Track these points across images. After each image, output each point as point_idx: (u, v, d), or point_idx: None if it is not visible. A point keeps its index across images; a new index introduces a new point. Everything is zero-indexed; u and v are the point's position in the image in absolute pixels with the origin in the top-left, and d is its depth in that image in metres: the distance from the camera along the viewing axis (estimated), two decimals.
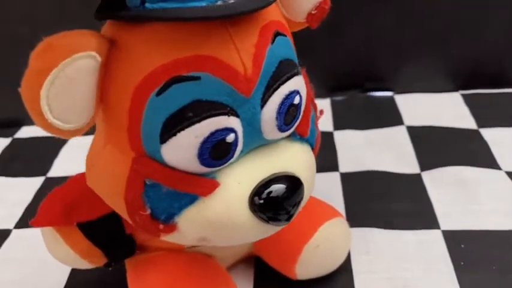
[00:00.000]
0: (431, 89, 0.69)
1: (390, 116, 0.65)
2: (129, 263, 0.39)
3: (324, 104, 0.68)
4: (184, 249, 0.38)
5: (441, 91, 0.69)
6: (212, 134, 0.27)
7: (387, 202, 0.50)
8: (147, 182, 0.28)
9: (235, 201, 0.29)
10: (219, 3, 0.26)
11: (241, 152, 0.30)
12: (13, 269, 0.47)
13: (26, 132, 0.68)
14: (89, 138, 0.33)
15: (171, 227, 0.30)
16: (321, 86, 0.69)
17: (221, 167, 0.29)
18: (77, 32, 0.26)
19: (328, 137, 0.61)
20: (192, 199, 0.29)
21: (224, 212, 0.29)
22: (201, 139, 0.27)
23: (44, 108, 0.25)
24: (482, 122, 0.62)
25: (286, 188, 0.30)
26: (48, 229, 0.36)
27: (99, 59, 0.27)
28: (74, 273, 0.45)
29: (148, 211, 0.29)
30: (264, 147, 0.31)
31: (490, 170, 0.53)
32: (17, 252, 0.49)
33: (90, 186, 0.33)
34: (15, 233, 0.51)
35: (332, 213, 0.42)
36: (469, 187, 0.51)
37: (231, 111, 0.27)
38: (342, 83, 0.70)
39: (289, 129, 0.31)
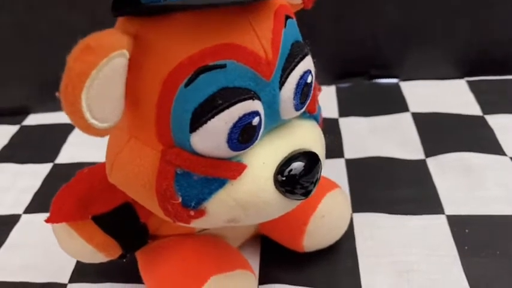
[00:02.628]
0: (436, 76, 0.69)
1: (395, 103, 0.65)
2: (138, 252, 0.40)
3: (329, 91, 0.68)
4: (194, 232, 0.39)
5: (446, 78, 0.69)
6: (240, 118, 0.28)
7: (392, 188, 0.51)
8: (178, 172, 0.29)
9: (262, 181, 0.30)
10: None
11: (262, 133, 0.31)
12: (22, 254, 0.48)
13: (33, 119, 0.69)
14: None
15: (200, 212, 0.31)
16: (327, 73, 0.69)
17: (247, 149, 0.30)
18: (109, 31, 0.26)
19: (333, 124, 0.61)
20: (221, 183, 0.30)
21: (253, 192, 0.30)
22: (230, 124, 0.28)
23: (84, 110, 0.25)
24: (488, 108, 0.62)
25: (304, 165, 0.31)
26: (61, 225, 0.36)
27: (128, 56, 0.27)
28: None
29: (180, 199, 0.30)
30: (280, 127, 0.32)
31: (495, 156, 0.53)
32: (26, 237, 0.49)
33: (113, 183, 0.33)
34: (24, 219, 0.52)
35: (331, 184, 0.44)
36: (473, 173, 0.51)
37: (255, 95, 0.28)
38: (347, 70, 0.70)
39: (303, 107, 0.33)
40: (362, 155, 0.56)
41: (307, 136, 0.33)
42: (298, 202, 0.33)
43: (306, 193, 0.32)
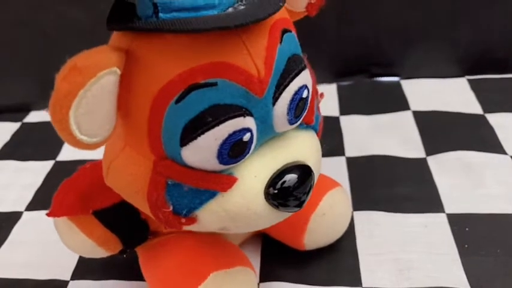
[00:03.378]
0: (437, 74, 0.69)
1: (396, 101, 0.65)
2: (140, 249, 0.40)
3: (330, 89, 0.68)
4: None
5: (447, 76, 0.69)
6: (230, 135, 0.28)
7: (392, 186, 0.51)
8: (169, 182, 0.30)
9: (252, 194, 0.31)
10: (229, 10, 0.27)
11: (255, 147, 0.31)
12: (24, 251, 0.48)
13: (35, 116, 0.69)
14: None
15: (191, 220, 0.31)
16: (328, 71, 0.69)
17: (238, 163, 0.30)
18: (98, 49, 0.26)
19: (334, 122, 0.61)
20: (211, 194, 0.30)
21: (243, 204, 0.31)
22: (220, 141, 0.28)
23: (73, 127, 0.26)
24: (488, 107, 0.62)
25: (298, 177, 0.31)
26: (63, 220, 0.37)
27: (119, 72, 0.27)
28: None
29: (171, 208, 0.30)
30: (274, 139, 0.32)
31: (495, 155, 0.54)
32: (28, 234, 0.50)
33: (109, 185, 0.34)
34: (26, 216, 0.52)
35: (332, 183, 0.44)
36: (474, 171, 0.51)
37: (246, 112, 0.29)
38: (348, 68, 0.70)
39: (298, 121, 0.33)
40: (363, 153, 0.56)
41: (301, 148, 0.33)
42: (290, 214, 0.33)
43: (299, 204, 0.32)
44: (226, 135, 0.28)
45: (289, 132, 0.33)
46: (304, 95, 0.31)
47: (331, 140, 0.57)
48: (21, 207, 0.53)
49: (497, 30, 0.67)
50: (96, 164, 0.37)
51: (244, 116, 0.28)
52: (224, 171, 0.30)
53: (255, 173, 0.31)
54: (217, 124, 0.28)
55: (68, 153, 0.60)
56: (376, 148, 0.56)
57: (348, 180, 0.52)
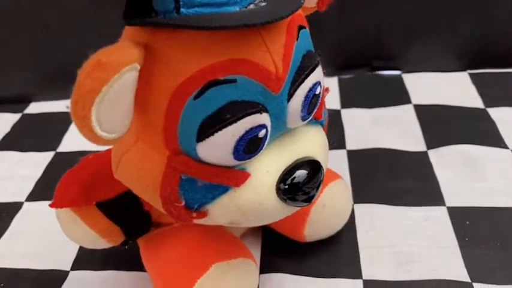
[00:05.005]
0: (439, 68, 0.69)
1: (398, 95, 0.65)
2: (141, 240, 0.40)
3: (331, 82, 0.68)
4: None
5: (449, 70, 0.69)
6: (247, 132, 0.28)
7: (393, 179, 0.51)
8: (183, 177, 0.30)
9: (265, 189, 0.31)
10: (251, 6, 0.27)
11: (268, 142, 0.31)
12: (25, 241, 0.48)
13: (35, 107, 0.69)
14: None
15: (202, 214, 0.31)
16: (329, 64, 0.69)
17: (252, 159, 0.30)
18: (120, 45, 0.26)
19: (335, 115, 0.61)
20: (224, 189, 0.30)
21: (255, 200, 0.31)
22: (237, 137, 0.28)
23: (94, 124, 0.25)
24: (490, 101, 0.62)
25: (307, 173, 0.31)
26: (65, 211, 0.37)
27: (139, 67, 0.27)
28: None
29: (183, 202, 0.31)
30: (285, 134, 0.32)
31: (496, 149, 0.54)
32: (28, 225, 0.50)
33: (118, 179, 0.34)
34: (26, 207, 0.52)
35: (333, 175, 0.44)
36: (475, 165, 0.52)
37: (262, 109, 0.29)
38: (350, 62, 0.70)
39: (310, 117, 0.33)
40: (364, 147, 0.56)
41: (311, 144, 0.33)
42: (298, 208, 0.33)
43: (308, 199, 0.32)
44: (243, 132, 0.28)
45: (299, 128, 0.33)
46: (318, 91, 0.32)
47: (332, 133, 0.57)
48: (21, 198, 0.53)
49: (499, 24, 0.67)
50: (99, 155, 0.38)
51: (261, 113, 0.29)
52: (237, 167, 0.30)
53: (266, 168, 0.31)
54: (235, 121, 0.28)
55: (68, 144, 0.60)
56: (377, 141, 0.56)
57: (348, 173, 0.52)
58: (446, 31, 0.68)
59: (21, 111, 0.68)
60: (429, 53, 0.69)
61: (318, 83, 0.31)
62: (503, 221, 0.45)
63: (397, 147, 0.55)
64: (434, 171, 0.51)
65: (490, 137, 0.56)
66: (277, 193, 0.31)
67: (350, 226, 0.45)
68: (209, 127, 0.28)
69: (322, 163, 0.33)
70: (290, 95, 0.30)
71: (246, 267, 0.37)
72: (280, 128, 0.31)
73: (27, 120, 0.67)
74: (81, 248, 0.46)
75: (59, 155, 0.59)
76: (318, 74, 0.31)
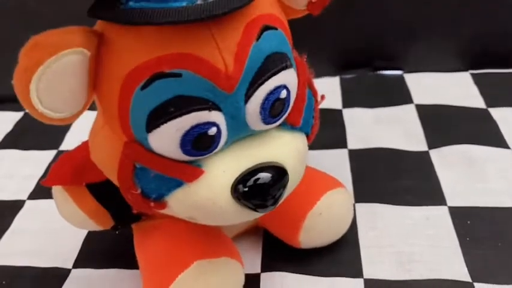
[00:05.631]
0: (440, 68, 0.69)
1: (399, 95, 0.65)
2: (135, 228, 0.41)
3: (333, 82, 0.68)
4: None
5: (451, 70, 0.69)
6: (193, 127, 0.28)
7: (394, 179, 0.51)
8: (137, 166, 0.30)
9: (219, 189, 0.31)
10: (198, 2, 0.27)
11: (227, 142, 0.31)
12: (26, 239, 0.48)
13: None
14: (95, 114, 0.35)
15: (161, 204, 0.32)
16: (331, 64, 0.69)
17: (205, 156, 0.30)
18: (63, 29, 0.27)
19: (337, 115, 0.61)
20: (178, 183, 0.31)
21: (208, 198, 0.31)
22: (182, 132, 0.28)
23: (34, 100, 0.27)
24: (491, 101, 0.62)
25: (271, 177, 0.31)
26: (59, 190, 0.38)
27: (87, 53, 0.28)
28: (86, 244, 0.46)
29: (139, 190, 0.31)
30: (252, 137, 0.32)
31: (497, 149, 0.54)
32: (30, 223, 0.50)
33: (93, 161, 0.34)
34: (28, 205, 0.52)
35: (334, 183, 0.43)
36: (476, 165, 0.52)
37: (212, 106, 0.28)
38: (351, 61, 0.70)
39: (276, 121, 0.32)
40: (365, 146, 0.56)
41: (280, 149, 0.32)
42: (260, 214, 0.33)
43: (262, 206, 0.32)
44: (188, 127, 0.28)
45: (271, 132, 0.33)
46: (282, 95, 0.31)
47: (334, 133, 0.57)
48: (23, 196, 0.53)
49: (501, 24, 0.67)
50: None
51: (210, 110, 0.28)
52: (193, 163, 0.30)
53: (224, 168, 0.31)
54: (180, 115, 0.28)
55: (70, 142, 0.61)
56: (378, 141, 0.56)
57: (350, 173, 0.52)
58: (448, 31, 0.68)
59: (23, 110, 0.68)
60: (431, 53, 0.69)
61: (282, 87, 0.30)
62: (504, 221, 0.45)
63: (398, 147, 0.55)
64: (435, 171, 0.51)
65: (492, 137, 0.56)
66: (235, 196, 0.31)
67: (351, 225, 0.45)
68: (155, 119, 0.28)
69: (290, 171, 0.32)
70: (248, 96, 0.29)
71: (228, 267, 0.37)
72: (241, 129, 0.31)
73: (29, 119, 0.66)
74: (83, 246, 0.46)
75: (61, 154, 0.59)
76: (284, 78, 0.30)
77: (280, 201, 0.33)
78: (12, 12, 0.67)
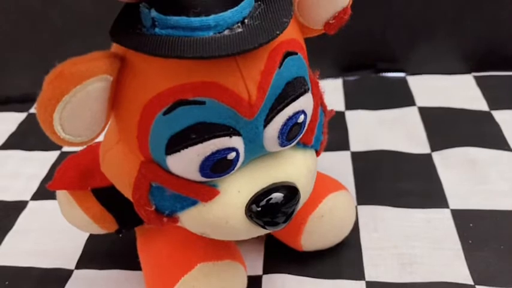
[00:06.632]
0: (443, 71, 0.69)
1: (402, 97, 0.65)
2: (138, 231, 0.41)
3: (335, 84, 0.68)
4: None
5: (454, 73, 0.68)
6: (213, 153, 0.29)
7: (397, 181, 0.51)
8: (153, 184, 0.31)
9: (233, 209, 0.31)
10: (226, 32, 0.27)
11: (243, 163, 0.31)
12: (29, 239, 0.48)
13: None
14: None
15: (174, 220, 0.32)
16: (334, 66, 0.70)
17: (222, 178, 0.31)
18: (88, 57, 0.26)
19: (339, 117, 0.61)
20: (193, 202, 0.31)
21: (222, 217, 0.31)
22: (202, 157, 0.29)
23: (57, 128, 0.27)
24: (494, 104, 0.62)
25: (283, 197, 0.31)
26: (64, 194, 0.38)
27: (110, 78, 0.28)
28: (89, 244, 0.47)
29: (153, 207, 0.31)
30: (266, 156, 0.32)
31: (500, 152, 0.53)
32: (33, 223, 0.50)
33: (103, 172, 0.34)
34: (32, 205, 0.52)
35: (336, 186, 0.43)
36: (479, 168, 0.51)
37: (233, 132, 0.29)
38: (354, 63, 0.70)
39: (291, 143, 0.32)
40: (368, 148, 0.56)
41: (292, 169, 0.33)
42: (269, 231, 0.33)
43: (273, 224, 0.32)
44: (209, 153, 0.28)
45: (284, 152, 0.33)
46: (300, 120, 0.31)
47: (336, 135, 0.57)
48: (26, 197, 0.53)
49: (504, 27, 0.67)
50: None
51: (231, 136, 0.29)
52: (208, 183, 0.31)
53: (238, 188, 0.31)
54: (201, 141, 0.28)
55: None
56: (381, 143, 0.56)
57: (352, 175, 0.52)
58: (451, 33, 0.68)
59: (26, 110, 0.69)
60: (434, 55, 0.69)
61: (301, 112, 0.31)
62: (506, 224, 0.45)
63: (401, 149, 0.55)
64: (438, 173, 0.51)
65: (495, 139, 0.56)
66: (248, 215, 0.31)
67: (353, 227, 0.45)
68: (176, 144, 0.28)
69: (301, 189, 0.32)
70: (267, 121, 0.29)
71: (231, 270, 0.37)
72: (257, 150, 0.31)
73: (33, 120, 0.66)
74: (85, 247, 0.46)
75: (64, 155, 0.59)
76: (303, 102, 0.30)
77: (292, 218, 0.33)
78: (18, 15, 0.67)
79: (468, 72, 0.69)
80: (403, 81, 0.68)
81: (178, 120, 0.28)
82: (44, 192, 0.54)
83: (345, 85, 0.68)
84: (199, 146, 0.28)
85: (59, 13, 0.66)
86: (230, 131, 0.28)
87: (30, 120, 0.67)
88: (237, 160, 0.30)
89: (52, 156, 0.59)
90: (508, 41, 0.68)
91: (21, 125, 0.66)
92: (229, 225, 0.31)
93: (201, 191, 0.31)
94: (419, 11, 0.67)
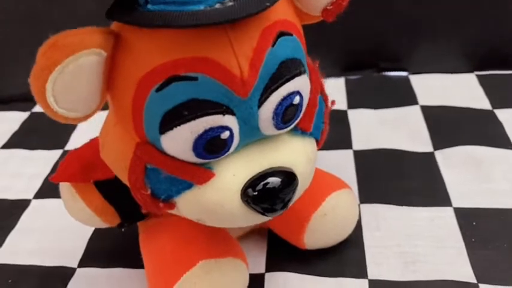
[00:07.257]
0: (446, 70, 0.69)
1: (404, 96, 0.65)
2: (141, 226, 0.41)
3: (338, 83, 0.68)
4: None
5: (456, 72, 0.68)
6: (206, 131, 0.28)
7: (399, 179, 0.51)
8: (148, 166, 0.31)
9: (228, 192, 0.31)
10: (217, 6, 0.27)
11: (238, 145, 0.31)
12: (32, 238, 0.48)
13: None
14: (105, 113, 0.35)
15: (170, 205, 0.32)
16: (336, 65, 0.69)
17: (216, 159, 0.31)
18: (81, 30, 0.27)
19: (342, 115, 0.61)
20: (189, 185, 0.31)
21: (217, 200, 0.31)
22: (195, 135, 0.28)
23: (50, 99, 0.27)
24: (497, 102, 0.62)
25: (280, 182, 0.31)
26: (67, 186, 0.38)
27: (104, 53, 0.28)
28: (92, 243, 0.47)
29: (149, 191, 0.31)
30: (264, 141, 0.32)
31: (503, 150, 0.53)
32: (36, 222, 0.50)
33: (103, 159, 0.35)
34: (34, 204, 0.52)
35: (339, 184, 0.43)
36: (482, 166, 0.51)
37: (226, 110, 0.29)
38: (356, 63, 0.70)
39: (288, 126, 0.32)
40: (370, 147, 0.56)
41: (291, 154, 0.32)
42: (269, 218, 0.33)
43: (271, 210, 0.32)
44: (202, 130, 0.28)
45: (281, 136, 0.33)
46: (296, 101, 0.31)
47: (339, 133, 0.57)
48: (29, 195, 0.53)
49: (506, 26, 0.67)
50: None
51: (224, 114, 0.28)
52: (204, 165, 0.30)
53: (234, 171, 0.31)
54: (193, 118, 0.28)
55: (76, 142, 0.61)
56: (383, 142, 0.56)
57: (355, 173, 0.52)
58: (453, 32, 0.68)
59: (29, 109, 0.69)
60: (436, 54, 0.69)
61: (296, 93, 0.30)
62: (509, 222, 0.45)
63: (403, 147, 0.55)
64: (440, 172, 0.51)
65: (497, 138, 0.55)
66: (244, 200, 0.31)
67: (356, 226, 0.45)
68: (169, 121, 0.28)
69: (299, 176, 0.32)
70: (261, 101, 0.29)
71: (234, 267, 0.37)
72: (253, 133, 0.31)
73: (35, 119, 0.67)
74: (88, 245, 0.46)
75: (66, 153, 0.59)
76: (298, 83, 0.30)
77: (289, 206, 0.33)
78: (21, 14, 0.67)
79: (471, 71, 0.68)
80: (406, 80, 0.68)
81: (171, 97, 0.28)
82: (46, 191, 0.54)
83: (348, 84, 0.68)
84: (192, 123, 0.28)
85: (62, 13, 0.66)
86: (223, 109, 0.28)
87: (33, 119, 0.67)
88: (231, 141, 0.30)
89: (55, 155, 0.59)
90: (510, 40, 0.68)
91: (24, 124, 0.66)
92: (225, 210, 0.31)
93: (196, 173, 0.30)
94: (422, 10, 0.67)
